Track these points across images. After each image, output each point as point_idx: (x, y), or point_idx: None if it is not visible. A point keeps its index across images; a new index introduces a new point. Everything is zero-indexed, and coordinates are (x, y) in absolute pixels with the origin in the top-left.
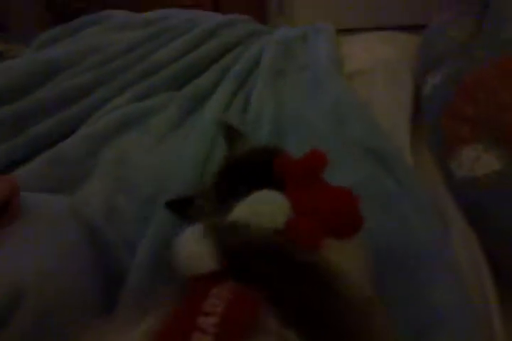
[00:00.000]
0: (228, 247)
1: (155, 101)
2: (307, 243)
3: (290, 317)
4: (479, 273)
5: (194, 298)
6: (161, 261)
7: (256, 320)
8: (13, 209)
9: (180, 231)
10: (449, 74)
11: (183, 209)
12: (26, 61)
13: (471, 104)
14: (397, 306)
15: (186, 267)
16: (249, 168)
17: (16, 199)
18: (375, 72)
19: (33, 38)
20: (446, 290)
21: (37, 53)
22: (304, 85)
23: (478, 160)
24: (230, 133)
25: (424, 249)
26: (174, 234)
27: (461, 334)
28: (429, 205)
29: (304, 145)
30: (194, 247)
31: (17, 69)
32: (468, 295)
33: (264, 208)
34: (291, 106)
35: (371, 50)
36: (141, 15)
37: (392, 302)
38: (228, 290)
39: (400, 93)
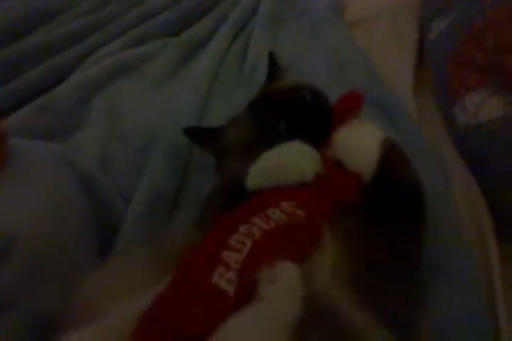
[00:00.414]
0: None
1: (150, 48)
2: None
3: None
4: (478, 216)
5: (223, 230)
6: (155, 209)
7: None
8: (0, 155)
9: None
10: (456, 20)
11: (202, 138)
12: (23, 4)
13: (480, 49)
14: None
15: (284, 174)
16: (292, 105)
17: (3, 145)
18: (378, 19)
19: None
20: (447, 240)
21: None
22: (302, 32)
23: (482, 106)
24: (272, 64)
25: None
26: (167, 184)
27: (459, 283)
28: (428, 151)
29: None
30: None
31: (13, 12)
32: (469, 250)
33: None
34: (290, 55)
35: None
36: None
37: None
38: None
39: (403, 40)
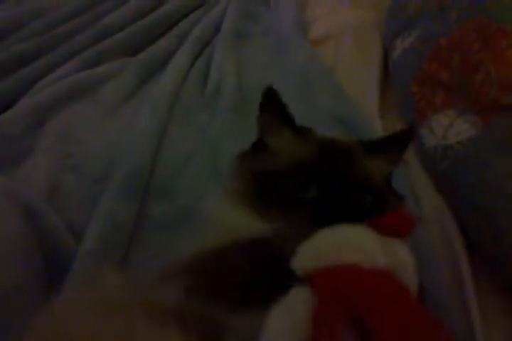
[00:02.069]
0: None
1: (106, 68)
2: None
3: None
4: (452, 246)
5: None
6: (109, 246)
7: None
8: None
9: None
10: (421, 37)
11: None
12: None
13: (446, 68)
14: None
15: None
16: None
17: None
18: (342, 37)
19: None
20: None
21: None
22: (266, 52)
23: (451, 127)
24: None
25: None
26: (124, 214)
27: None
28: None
29: None
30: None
31: None
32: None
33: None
34: (255, 75)
35: (338, 13)
36: None
37: None
38: None
39: (367, 58)
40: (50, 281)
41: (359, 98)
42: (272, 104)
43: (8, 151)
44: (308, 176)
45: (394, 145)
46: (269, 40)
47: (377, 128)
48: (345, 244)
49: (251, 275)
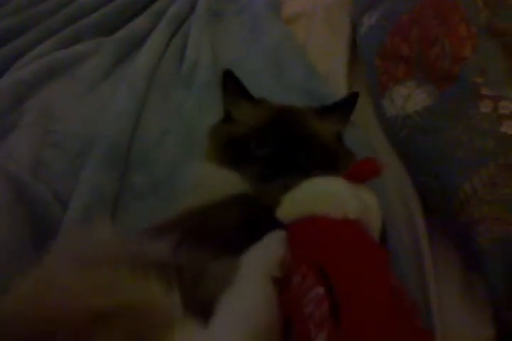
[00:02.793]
0: None
1: (83, 47)
2: None
3: None
4: (411, 210)
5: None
6: (93, 214)
7: None
8: None
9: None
10: (385, 14)
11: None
12: None
13: (406, 42)
14: None
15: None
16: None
17: None
18: (314, 15)
19: None
20: None
21: None
22: (241, 29)
23: (409, 98)
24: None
25: None
26: (107, 185)
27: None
28: (363, 145)
29: None
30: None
31: None
32: (397, 230)
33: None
34: (229, 52)
35: None
36: None
37: None
38: None
39: (337, 36)
40: (37, 250)
41: (328, 72)
42: (231, 84)
43: None
44: (264, 137)
45: (341, 108)
46: (243, 18)
47: None
48: (323, 195)
49: (236, 227)
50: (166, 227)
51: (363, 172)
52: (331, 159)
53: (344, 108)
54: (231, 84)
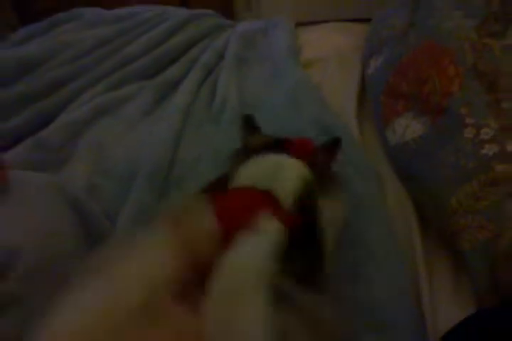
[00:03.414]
0: None
1: (127, 91)
2: None
3: None
4: (409, 222)
5: None
6: (138, 225)
7: None
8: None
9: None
10: (388, 58)
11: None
12: (9, 55)
13: (405, 81)
14: (339, 248)
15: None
16: None
17: (5, 170)
18: (329, 59)
19: None
20: (378, 234)
21: (13, 49)
22: (264, 73)
23: (408, 128)
24: (248, 126)
25: (362, 202)
26: (149, 203)
27: (387, 266)
28: (368, 170)
29: (266, 127)
30: None
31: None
32: (396, 239)
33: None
34: (253, 93)
35: (326, 39)
36: (111, 11)
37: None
38: None
39: (349, 77)
40: None
41: (341, 109)
42: (248, 125)
43: (51, 159)
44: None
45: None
46: (266, 63)
47: (355, 134)
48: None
49: None
50: None
51: (304, 151)
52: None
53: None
54: (248, 126)
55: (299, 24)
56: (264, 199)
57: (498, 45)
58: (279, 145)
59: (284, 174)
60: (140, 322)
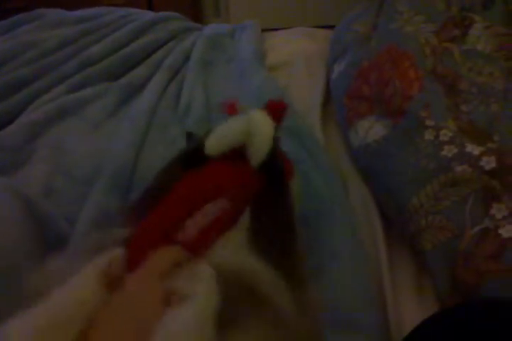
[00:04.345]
0: None
1: (91, 92)
2: None
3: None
4: (372, 222)
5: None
6: (99, 228)
7: None
8: None
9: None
10: (351, 61)
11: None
12: None
13: (366, 84)
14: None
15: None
16: None
17: None
18: (294, 63)
19: None
20: (342, 236)
21: None
22: (230, 76)
23: (370, 130)
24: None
25: (325, 203)
26: (111, 205)
27: (352, 266)
28: (332, 172)
29: None
30: None
31: None
32: (360, 240)
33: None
34: (219, 95)
35: (292, 44)
36: (75, 12)
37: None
38: None
39: (314, 80)
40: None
41: (306, 112)
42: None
43: (9, 160)
44: None
45: None
46: (232, 66)
47: (319, 136)
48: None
49: None
50: None
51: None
52: None
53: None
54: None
55: (267, 30)
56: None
57: (458, 49)
58: None
59: (257, 130)
60: None
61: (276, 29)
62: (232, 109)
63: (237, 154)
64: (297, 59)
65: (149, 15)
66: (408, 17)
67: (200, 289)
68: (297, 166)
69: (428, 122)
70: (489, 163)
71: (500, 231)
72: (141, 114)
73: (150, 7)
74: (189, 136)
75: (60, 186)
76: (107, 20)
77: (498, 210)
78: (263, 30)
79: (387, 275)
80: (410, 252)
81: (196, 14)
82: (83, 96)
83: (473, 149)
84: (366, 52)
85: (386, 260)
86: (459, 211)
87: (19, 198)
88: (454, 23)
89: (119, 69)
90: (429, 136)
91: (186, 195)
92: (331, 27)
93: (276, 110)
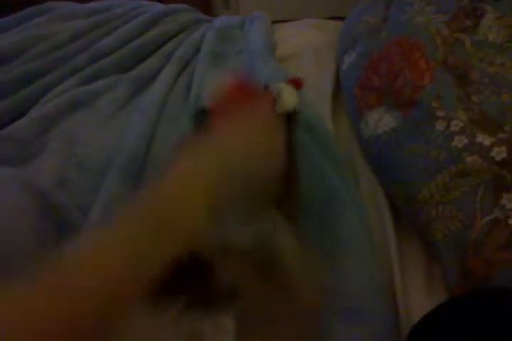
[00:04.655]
0: None
1: (102, 84)
2: None
3: None
4: (381, 212)
5: None
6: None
7: None
8: None
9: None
10: (361, 53)
11: None
12: None
13: (377, 75)
14: (312, 237)
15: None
16: None
17: None
18: (304, 54)
19: None
20: (353, 226)
21: None
22: (241, 66)
23: (380, 121)
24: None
25: (336, 194)
26: (123, 196)
27: (361, 255)
28: (343, 163)
29: None
30: None
31: None
32: (371, 231)
33: None
34: None
35: (301, 36)
36: (85, 5)
37: (309, 234)
38: None
39: (324, 72)
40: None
41: (315, 100)
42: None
43: (20, 153)
44: None
45: None
46: (242, 58)
47: (329, 126)
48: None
49: None
50: None
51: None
52: None
53: None
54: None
55: (276, 21)
56: None
57: (469, 39)
58: None
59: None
60: None
61: (285, 21)
62: (298, 85)
63: None
64: (306, 51)
65: (159, 7)
66: (419, 8)
67: None
68: (308, 156)
69: (439, 113)
70: (500, 153)
71: (510, 221)
72: (152, 106)
73: (160, 1)
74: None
75: (73, 177)
76: (118, 12)
77: (508, 200)
78: (272, 22)
79: (397, 264)
80: (420, 242)
81: (206, 6)
82: (94, 89)
83: (484, 139)
84: (377, 43)
85: (395, 249)
86: (469, 201)
87: (29, 188)
88: (465, 14)
89: (129, 62)
90: (439, 126)
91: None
92: (341, 19)
93: (296, 83)
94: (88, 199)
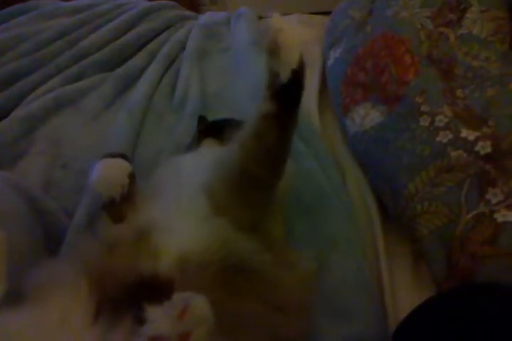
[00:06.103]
0: None
1: (88, 82)
2: None
3: None
4: (369, 209)
5: None
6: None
7: None
8: None
9: None
10: (347, 48)
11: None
12: None
13: (362, 70)
14: (301, 236)
15: None
16: None
17: None
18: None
19: None
20: (340, 223)
21: None
22: (226, 65)
23: (366, 116)
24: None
25: (324, 192)
26: None
27: (351, 250)
28: (329, 160)
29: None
30: None
31: None
32: (358, 227)
33: None
34: (215, 85)
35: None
36: (69, 3)
37: (296, 231)
38: None
39: (310, 67)
40: (49, 252)
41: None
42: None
43: (5, 154)
44: None
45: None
46: (228, 55)
47: (316, 123)
48: None
49: None
50: None
51: None
52: None
53: None
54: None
55: (262, 17)
56: None
57: (454, 33)
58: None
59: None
60: None
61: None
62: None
63: None
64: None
65: (144, 4)
66: (403, 2)
67: None
68: (295, 156)
69: (423, 108)
70: (484, 148)
71: (495, 215)
72: (138, 104)
73: None
74: (201, 119)
75: (59, 179)
76: (101, 10)
77: (493, 195)
78: (259, 18)
79: (384, 261)
80: (407, 238)
81: (192, 2)
82: (80, 88)
83: (468, 134)
84: (362, 38)
85: (383, 246)
86: (454, 196)
87: (21, 192)
88: (449, 8)
89: (114, 60)
90: (424, 122)
91: None
92: (328, 13)
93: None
94: (73, 201)
